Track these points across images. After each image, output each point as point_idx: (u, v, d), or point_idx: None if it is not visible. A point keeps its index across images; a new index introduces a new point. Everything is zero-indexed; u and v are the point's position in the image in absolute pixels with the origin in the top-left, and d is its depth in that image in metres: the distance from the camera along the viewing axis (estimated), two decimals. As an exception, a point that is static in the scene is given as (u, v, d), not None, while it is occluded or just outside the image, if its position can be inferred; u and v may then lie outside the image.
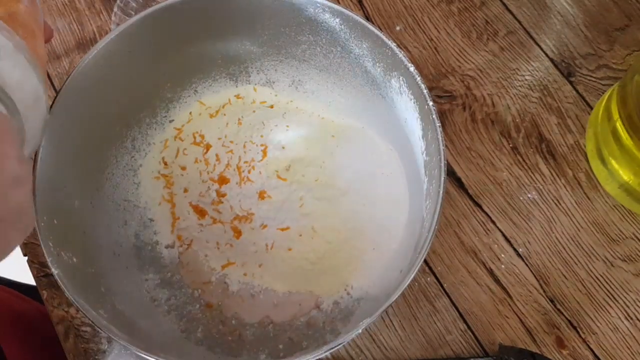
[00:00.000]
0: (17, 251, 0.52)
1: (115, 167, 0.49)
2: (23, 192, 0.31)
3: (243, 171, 0.51)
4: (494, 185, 0.54)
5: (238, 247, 0.49)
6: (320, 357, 0.37)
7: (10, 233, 0.30)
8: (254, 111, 0.53)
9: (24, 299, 0.64)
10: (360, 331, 0.37)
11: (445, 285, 0.50)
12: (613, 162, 0.51)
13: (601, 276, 0.50)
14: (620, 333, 0.49)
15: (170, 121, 0.53)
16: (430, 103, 0.42)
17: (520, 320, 0.49)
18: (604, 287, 0.50)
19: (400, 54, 0.44)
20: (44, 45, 0.33)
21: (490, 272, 0.51)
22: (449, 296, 0.50)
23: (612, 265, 0.51)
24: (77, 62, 0.43)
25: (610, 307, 0.49)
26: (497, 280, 0.50)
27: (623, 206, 0.53)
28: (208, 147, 0.52)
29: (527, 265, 0.51)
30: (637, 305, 0.50)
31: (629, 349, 0.48)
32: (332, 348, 0.37)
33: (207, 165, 0.52)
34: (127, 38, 0.45)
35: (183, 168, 0.52)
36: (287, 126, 0.52)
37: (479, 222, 0.52)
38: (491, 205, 0.53)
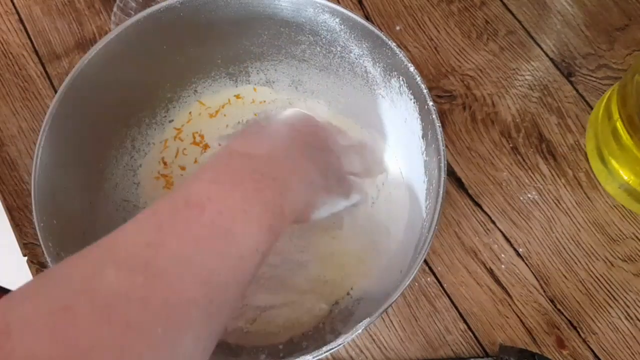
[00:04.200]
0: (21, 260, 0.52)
1: (115, 167, 0.49)
2: None
3: (243, 171, 0.51)
4: (494, 185, 0.54)
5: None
6: (320, 357, 0.37)
7: None
8: (253, 111, 0.53)
9: None
10: (360, 331, 0.37)
11: (445, 285, 0.50)
12: (613, 162, 0.51)
13: (601, 276, 0.50)
14: (620, 333, 0.49)
15: (170, 121, 0.53)
16: (430, 103, 0.42)
17: (521, 320, 0.49)
18: (604, 287, 0.50)
19: (400, 54, 0.43)
20: None
21: (491, 272, 0.51)
22: (449, 296, 0.50)
23: (612, 265, 0.51)
24: (77, 62, 0.43)
25: (611, 307, 0.49)
26: (497, 281, 0.50)
27: (623, 206, 0.52)
28: (207, 147, 0.52)
29: (527, 265, 0.51)
30: (638, 306, 0.49)
31: (629, 349, 0.48)
32: (332, 348, 0.37)
33: (207, 165, 0.52)
34: (127, 38, 0.45)
35: (183, 168, 0.51)
36: (287, 126, 0.52)
37: (479, 222, 0.52)
38: (491, 205, 0.53)
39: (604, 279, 0.50)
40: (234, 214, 0.29)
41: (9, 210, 0.53)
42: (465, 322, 0.49)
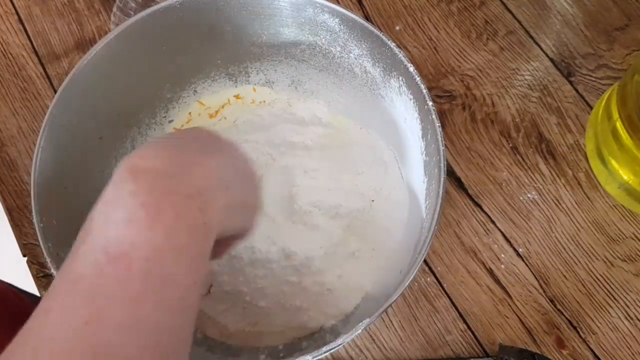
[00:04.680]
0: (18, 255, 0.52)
1: (115, 167, 0.49)
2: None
3: (243, 171, 0.51)
4: (494, 185, 0.54)
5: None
6: (320, 357, 0.37)
7: None
8: (253, 111, 0.53)
9: None
10: (360, 331, 0.37)
11: (445, 285, 0.50)
12: (613, 161, 0.51)
13: (601, 276, 0.50)
14: (620, 333, 0.49)
15: (170, 121, 0.53)
16: (430, 103, 0.42)
17: (520, 320, 0.49)
18: (604, 287, 0.50)
19: (400, 54, 0.43)
20: None
21: (490, 272, 0.51)
22: (448, 296, 0.50)
23: (612, 265, 0.51)
24: (77, 63, 0.43)
25: (610, 307, 0.49)
26: (497, 280, 0.50)
27: (623, 206, 0.52)
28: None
29: (527, 265, 0.51)
30: (637, 305, 0.49)
31: (629, 349, 0.48)
32: (332, 348, 0.37)
33: (207, 165, 0.52)
34: (127, 38, 0.45)
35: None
36: (287, 126, 0.52)
37: (478, 222, 0.52)
38: (491, 205, 0.53)
39: (603, 278, 0.50)
40: (162, 255, 0.27)
41: (9, 210, 0.53)
42: (465, 322, 0.49)
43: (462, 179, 0.54)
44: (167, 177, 0.29)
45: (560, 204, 0.53)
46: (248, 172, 0.36)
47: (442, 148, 0.41)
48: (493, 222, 0.52)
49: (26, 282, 0.63)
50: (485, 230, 0.52)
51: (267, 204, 0.48)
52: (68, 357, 0.24)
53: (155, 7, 0.45)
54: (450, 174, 0.54)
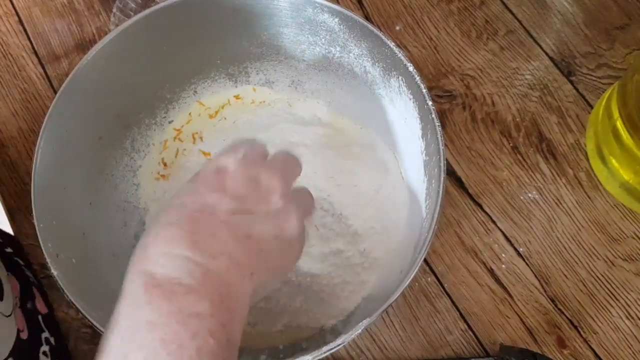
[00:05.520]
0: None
1: (115, 168, 0.49)
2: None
3: (243, 172, 0.51)
4: (495, 185, 0.54)
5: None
6: (320, 357, 0.37)
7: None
8: (253, 111, 0.53)
9: None
10: (360, 331, 0.37)
11: (445, 285, 0.50)
12: (613, 161, 0.51)
13: (602, 275, 0.50)
14: (621, 332, 0.49)
15: (170, 122, 0.53)
16: (430, 103, 0.42)
17: (521, 320, 0.49)
18: (605, 286, 0.50)
19: (400, 54, 0.43)
20: None
21: (491, 272, 0.51)
22: (449, 296, 0.50)
23: (613, 264, 0.51)
24: (77, 63, 0.43)
25: (612, 306, 0.49)
26: (497, 280, 0.50)
27: (624, 205, 0.52)
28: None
29: (527, 264, 0.51)
30: (638, 305, 0.49)
31: (630, 348, 0.48)
32: (332, 348, 0.36)
33: (207, 165, 0.52)
34: (126, 39, 0.45)
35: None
36: (287, 126, 0.52)
37: (479, 222, 0.52)
38: (492, 205, 0.53)
39: (604, 278, 0.50)
40: None
41: (9, 211, 0.53)
42: (465, 322, 0.49)
43: (463, 179, 0.54)
44: (184, 292, 0.26)
45: (560, 203, 0.53)
46: (281, 236, 0.33)
47: (442, 148, 0.41)
48: (494, 221, 0.52)
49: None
50: (485, 230, 0.52)
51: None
52: None
53: (154, 8, 0.45)
54: (451, 173, 0.54)
